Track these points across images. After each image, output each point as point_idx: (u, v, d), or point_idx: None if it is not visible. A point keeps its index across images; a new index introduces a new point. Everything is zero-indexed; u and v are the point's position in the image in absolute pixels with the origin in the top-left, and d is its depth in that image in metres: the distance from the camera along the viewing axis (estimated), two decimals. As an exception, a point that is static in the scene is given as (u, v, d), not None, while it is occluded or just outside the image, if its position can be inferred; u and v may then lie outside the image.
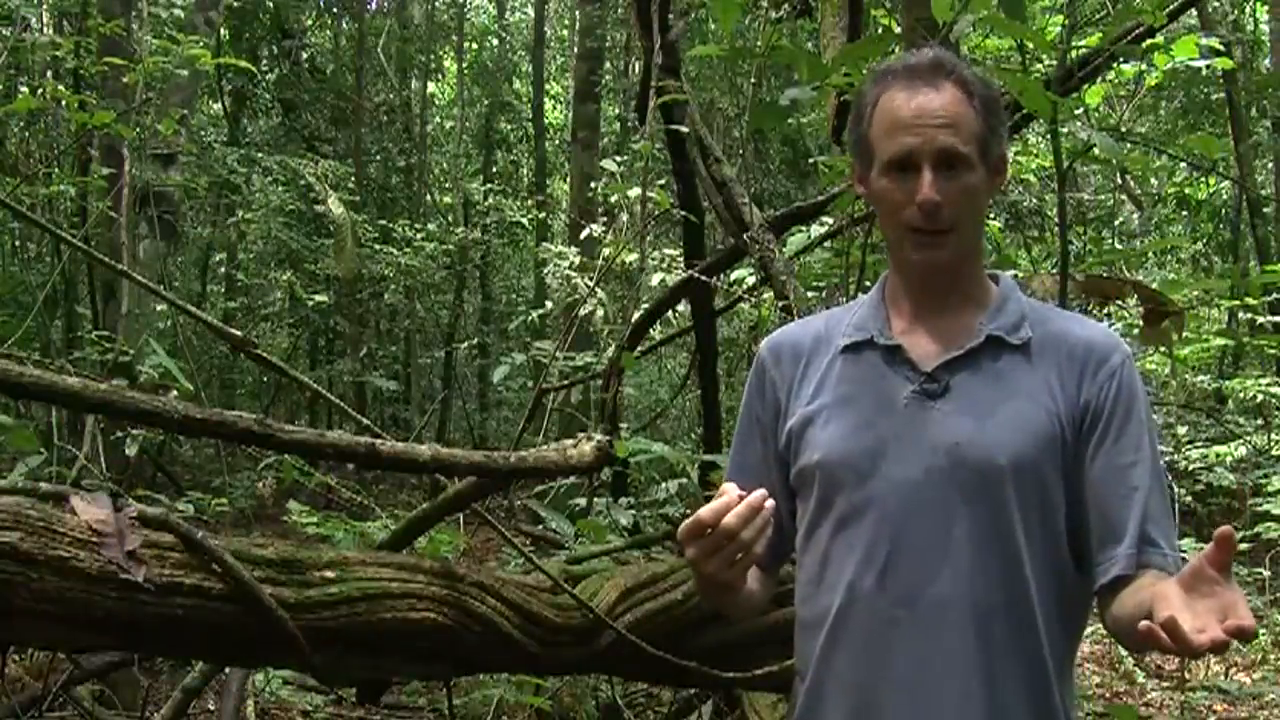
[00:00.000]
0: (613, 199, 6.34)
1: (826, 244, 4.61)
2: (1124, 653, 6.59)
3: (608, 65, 14.16)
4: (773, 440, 1.70)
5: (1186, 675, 5.93)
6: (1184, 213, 12.56)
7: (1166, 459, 6.95)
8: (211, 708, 4.85)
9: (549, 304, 9.07)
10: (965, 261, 1.63)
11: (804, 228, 4.69)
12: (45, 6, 10.69)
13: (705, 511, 1.41)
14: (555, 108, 19.80)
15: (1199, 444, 7.85)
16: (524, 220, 14.83)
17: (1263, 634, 6.78)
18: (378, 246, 12.40)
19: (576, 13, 14.87)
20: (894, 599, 1.55)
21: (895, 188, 1.58)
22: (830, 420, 1.63)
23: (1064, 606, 1.57)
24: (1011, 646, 1.53)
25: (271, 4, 14.42)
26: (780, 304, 3.60)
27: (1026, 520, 1.54)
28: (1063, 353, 1.59)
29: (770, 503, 1.42)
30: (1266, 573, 7.08)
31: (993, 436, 1.55)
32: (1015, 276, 4.99)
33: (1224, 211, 12.62)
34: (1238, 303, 6.87)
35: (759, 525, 1.41)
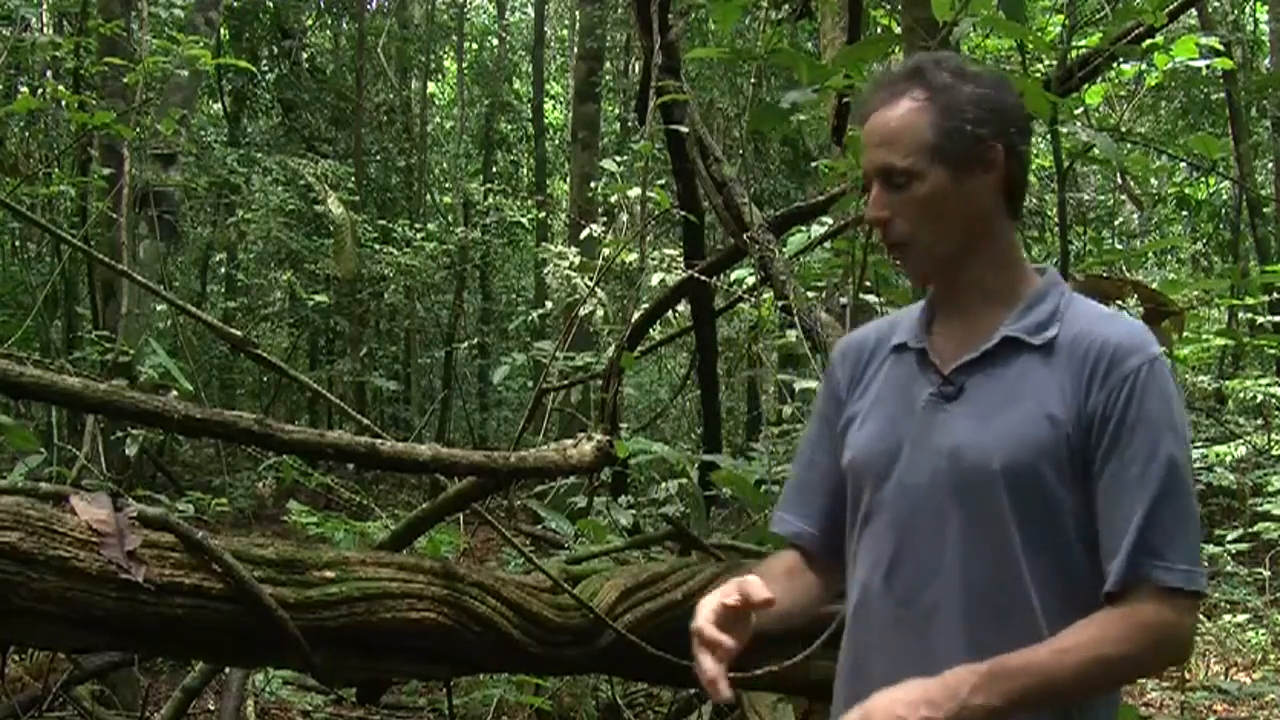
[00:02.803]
0: (613, 199, 6.34)
1: (826, 244, 4.61)
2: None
3: (608, 65, 14.16)
4: (837, 437, 1.74)
5: (1186, 675, 5.92)
6: (1184, 213, 12.55)
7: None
8: (211, 708, 4.85)
9: (549, 304, 9.06)
10: (961, 266, 1.61)
11: (804, 228, 4.69)
12: (45, 6, 10.69)
13: (710, 634, 1.49)
14: (555, 108, 19.81)
15: (1199, 444, 7.83)
16: (524, 220, 14.83)
17: (1262, 634, 6.78)
18: (378, 246, 12.40)
19: (576, 13, 14.87)
20: (896, 599, 1.58)
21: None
22: (865, 422, 1.68)
23: (1080, 614, 1.49)
24: (1006, 653, 1.49)
25: (271, 4, 14.42)
26: (780, 304, 3.61)
27: (1024, 527, 1.51)
28: (1079, 354, 1.54)
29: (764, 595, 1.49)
30: (1266, 573, 7.08)
31: (990, 441, 1.54)
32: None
33: (1224, 211, 12.62)
34: (1238, 303, 6.87)
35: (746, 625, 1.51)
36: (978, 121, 1.57)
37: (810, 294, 4.00)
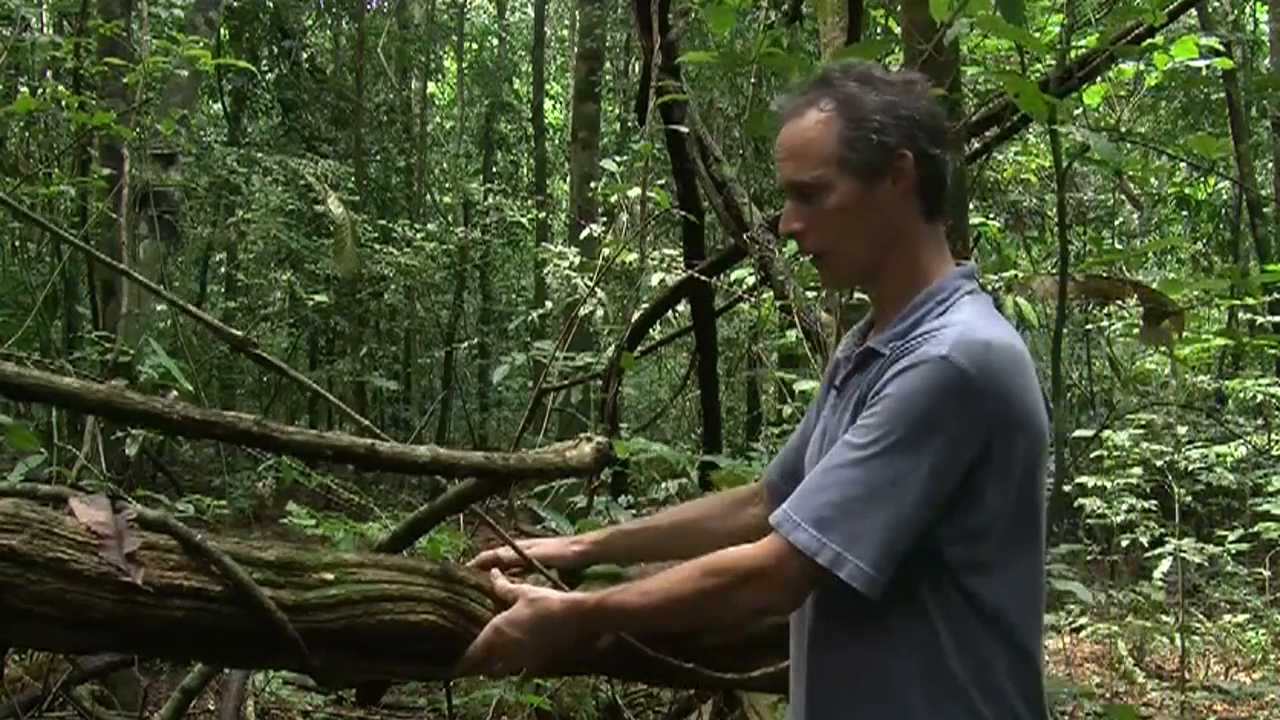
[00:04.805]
0: (613, 199, 6.33)
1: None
2: (1124, 652, 6.59)
3: (608, 65, 14.16)
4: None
5: (1186, 675, 5.92)
6: (1184, 213, 12.55)
7: (1166, 459, 6.94)
8: (211, 708, 4.86)
9: (549, 304, 9.06)
10: (875, 275, 1.62)
11: (804, 228, 4.68)
12: (45, 6, 10.69)
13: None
14: (555, 108, 19.82)
15: (1199, 444, 7.83)
16: (524, 220, 14.84)
17: (1262, 634, 6.78)
18: (378, 246, 12.40)
19: (576, 13, 14.88)
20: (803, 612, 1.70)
21: None
22: (816, 431, 1.73)
23: (879, 620, 1.51)
24: (828, 647, 1.60)
25: (271, 4, 14.42)
26: (780, 304, 3.61)
27: None
28: (886, 360, 1.54)
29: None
30: (1266, 573, 7.09)
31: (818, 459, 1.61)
32: (1015, 277, 4.97)
33: (1224, 211, 12.62)
34: (1238, 303, 6.87)
35: None
36: (883, 129, 1.55)
37: (810, 294, 4.00)
